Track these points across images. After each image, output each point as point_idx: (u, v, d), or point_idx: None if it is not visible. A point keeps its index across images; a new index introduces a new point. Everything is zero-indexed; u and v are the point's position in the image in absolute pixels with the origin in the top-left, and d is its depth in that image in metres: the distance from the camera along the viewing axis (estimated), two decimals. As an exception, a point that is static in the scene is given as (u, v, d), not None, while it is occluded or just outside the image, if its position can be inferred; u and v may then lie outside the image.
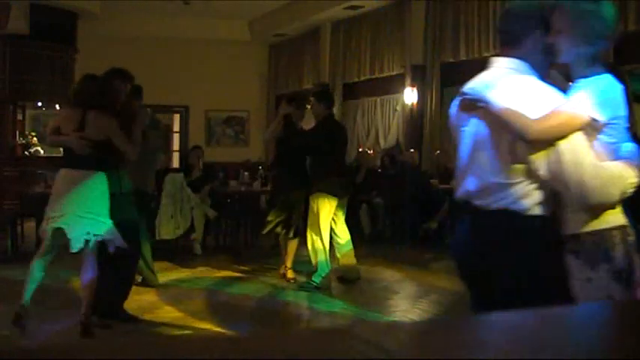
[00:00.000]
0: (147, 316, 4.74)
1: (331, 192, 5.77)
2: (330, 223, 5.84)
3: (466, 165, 2.27)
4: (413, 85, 9.84)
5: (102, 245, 4.21)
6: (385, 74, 10.74)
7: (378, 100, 11.08)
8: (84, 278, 4.17)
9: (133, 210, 4.59)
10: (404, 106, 10.17)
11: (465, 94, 2.25)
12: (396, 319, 4.85)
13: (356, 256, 6.21)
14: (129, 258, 4.57)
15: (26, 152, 10.65)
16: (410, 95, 9.89)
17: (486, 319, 1.18)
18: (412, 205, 8.28)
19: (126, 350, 0.80)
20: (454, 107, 2.36)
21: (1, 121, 10.02)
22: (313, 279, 5.79)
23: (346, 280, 6.08)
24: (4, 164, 9.81)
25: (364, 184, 8.70)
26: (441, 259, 7.42)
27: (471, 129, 2.24)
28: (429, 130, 9.73)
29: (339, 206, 5.90)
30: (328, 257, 5.85)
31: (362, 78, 11.35)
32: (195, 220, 7.30)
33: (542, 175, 2.06)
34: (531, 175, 2.09)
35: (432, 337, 0.90)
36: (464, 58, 9.04)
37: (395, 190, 8.63)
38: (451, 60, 9.31)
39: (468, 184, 2.24)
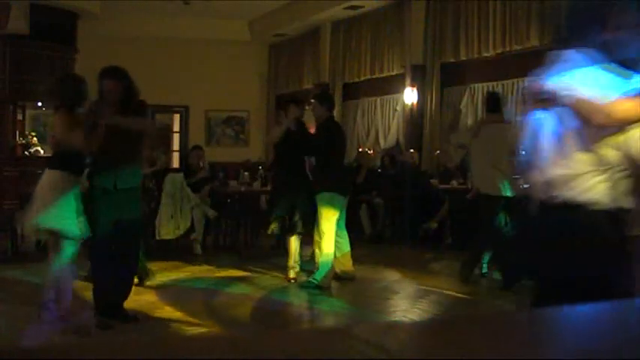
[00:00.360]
0: (147, 316, 4.74)
1: (335, 190, 5.83)
2: (334, 224, 5.87)
3: (532, 158, 2.31)
4: (413, 85, 9.84)
5: (101, 245, 4.22)
6: (385, 74, 10.75)
7: (378, 100, 11.08)
8: (63, 302, 4.22)
9: (134, 208, 4.52)
10: (404, 106, 10.17)
11: (530, 87, 2.29)
12: (396, 319, 4.85)
13: (356, 256, 6.23)
14: (129, 257, 4.57)
15: (26, 152, 10.64)
16: (410, 95, 9.89)
17: (487, 318, 1.18)
18: (412, 205, 8.28)
19: (126, 350, 0.80)
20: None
21: (1, 121, 10.02)
22: (315, 277, 5.80)
23: (342, 278, 6.10)
24: (4, 164, 9.82)
25: (364, 184, 8.71)
26: (441, 260, 7.43)
27: (538, 122, 2.28)
28: (429, 130, 9.72)
29: (340, 206, 5.93)
30: (331, 257, 5.86)
31: (362, 78, 11.35)
32: (195, 220, 7.30)
33: (619, 159, 2.08)
34: (599, 165, 2.13)
35: (432, 337, 0.90)
36: (464, 58, 9.03)
37: (395, 190, 8.63)
38: (451, 60, 9.30)
39: (534, 178, 2.28)
